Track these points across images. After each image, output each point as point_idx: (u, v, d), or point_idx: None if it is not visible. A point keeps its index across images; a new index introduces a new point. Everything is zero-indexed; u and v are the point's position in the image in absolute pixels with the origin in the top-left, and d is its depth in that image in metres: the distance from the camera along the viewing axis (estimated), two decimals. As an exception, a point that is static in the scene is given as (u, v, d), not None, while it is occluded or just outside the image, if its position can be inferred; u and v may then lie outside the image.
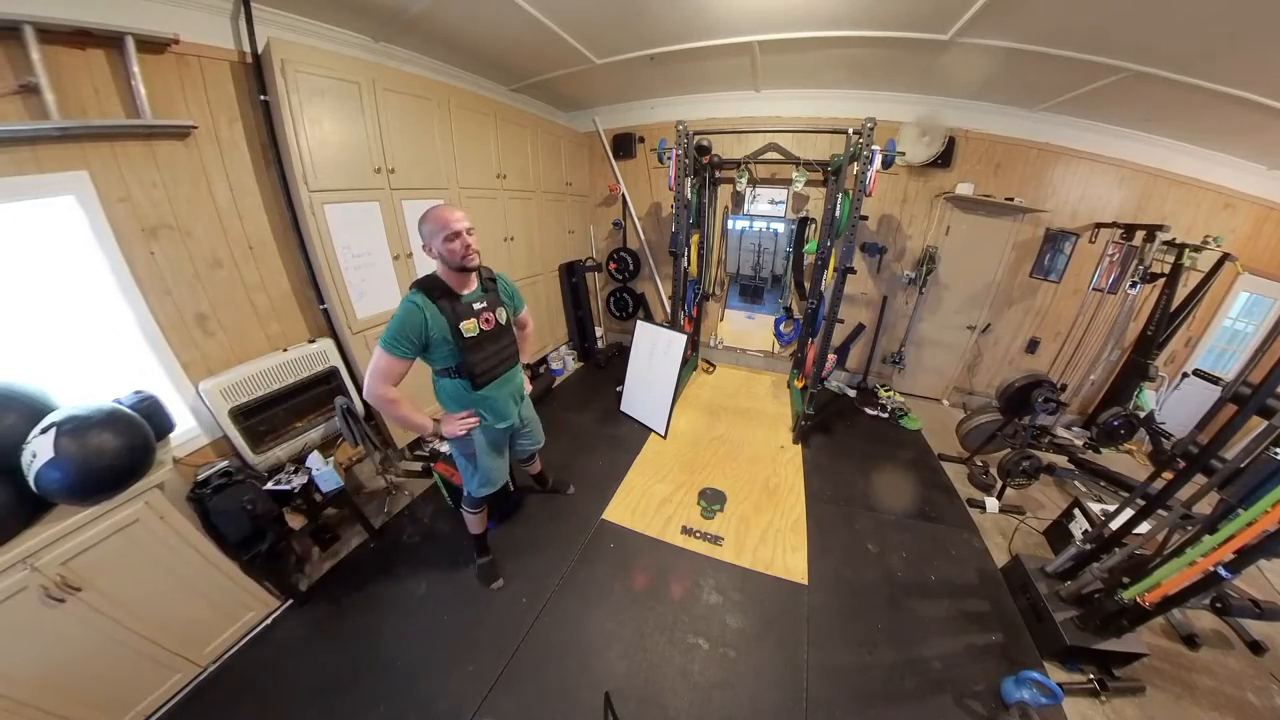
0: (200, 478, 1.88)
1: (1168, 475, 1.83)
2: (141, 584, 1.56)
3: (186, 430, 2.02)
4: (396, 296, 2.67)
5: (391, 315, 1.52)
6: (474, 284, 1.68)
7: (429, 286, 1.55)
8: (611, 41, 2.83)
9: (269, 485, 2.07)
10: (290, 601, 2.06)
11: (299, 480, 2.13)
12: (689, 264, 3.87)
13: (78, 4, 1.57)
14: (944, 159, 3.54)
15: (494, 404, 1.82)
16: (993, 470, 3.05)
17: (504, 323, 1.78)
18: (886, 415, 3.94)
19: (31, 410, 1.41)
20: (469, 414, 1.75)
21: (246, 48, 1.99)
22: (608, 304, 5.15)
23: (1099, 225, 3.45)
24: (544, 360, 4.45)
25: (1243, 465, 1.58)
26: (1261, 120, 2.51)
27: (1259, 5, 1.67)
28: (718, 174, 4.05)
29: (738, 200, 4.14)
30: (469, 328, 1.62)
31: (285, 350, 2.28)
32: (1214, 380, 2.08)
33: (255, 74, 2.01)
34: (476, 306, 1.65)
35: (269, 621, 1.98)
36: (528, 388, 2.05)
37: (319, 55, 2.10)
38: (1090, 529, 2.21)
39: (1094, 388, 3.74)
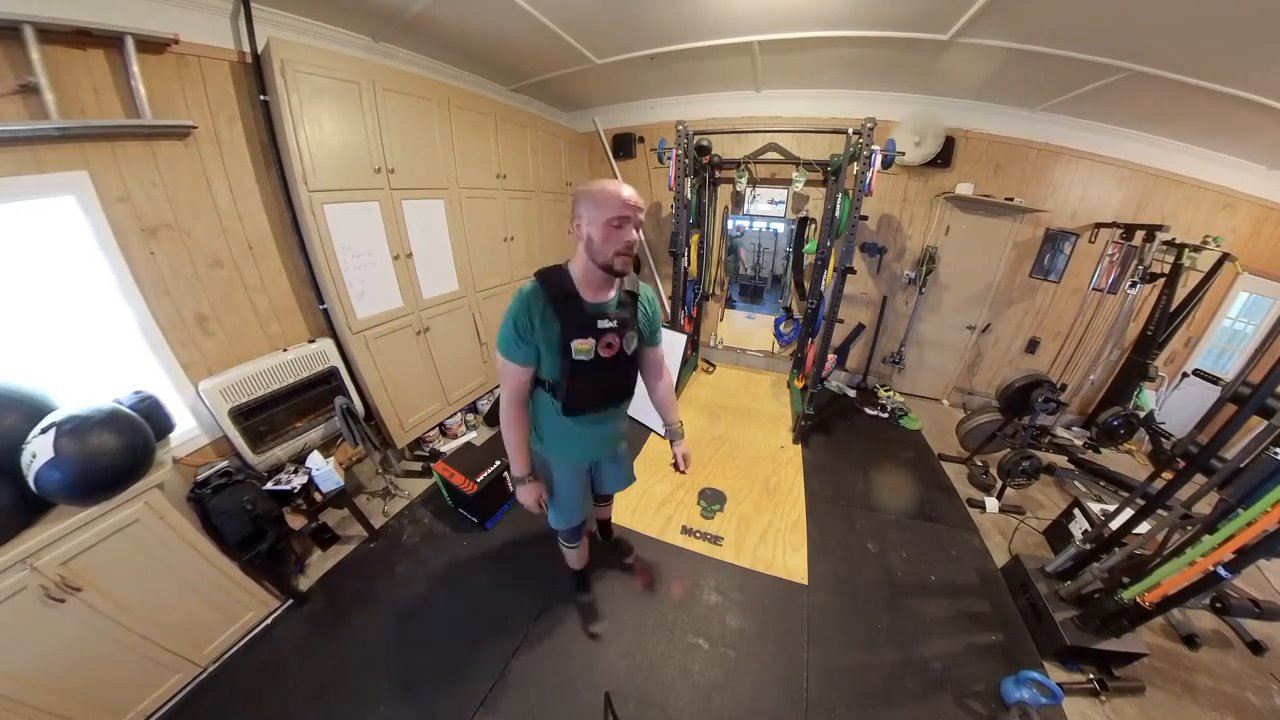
0: (200, 478, 1.88)
1: (1168, 475, 1.83)
2: (141, 584, 1.56)
3: (186, 430, 2.01)
4: (396, 296, 2.67)
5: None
6: (611, 294, 1.28)
7: (550, 280, 1.21)
8: (611, 41, 2.83)
9: (269, 485, 2.07)
10: (290, 601, 2.06)
11: (299, 480, 2.13)
12: (689, 264, 3.88)
13: (78, 4, 1.57)
14: (944, 159, 3.53)
15: (579, 439, 1.48)
16: (993, 470, 3.05)
17: (629, 353, 1.35)
18: (886, 415, 3.94)
19: (31, 410, 1.41)
20: (542, 498, 1.49)
21: (246, 48, 1.99)
22: (608, 304, 5.14)
23: (1099, 225, 3.45)
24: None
25: (1242, 465, 1.58)
26: (1261, 120, 2.51)
27: (1259, 5, 1.67)
28: (718, 174, 4.05)
29: (738, 200, 4.14)
30: (582, 349, 1.23)
31: (285, 350, 2.28)
32: (1214, 380, 2.08)
33: (255, 74, 2.01)
34: (602, 325, 1.25)
35: (269, 621, 1.98)
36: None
37: (319, 55, 2.10)
38: (1090, 529, 2.21)
39: (1094, 388, 3.74)
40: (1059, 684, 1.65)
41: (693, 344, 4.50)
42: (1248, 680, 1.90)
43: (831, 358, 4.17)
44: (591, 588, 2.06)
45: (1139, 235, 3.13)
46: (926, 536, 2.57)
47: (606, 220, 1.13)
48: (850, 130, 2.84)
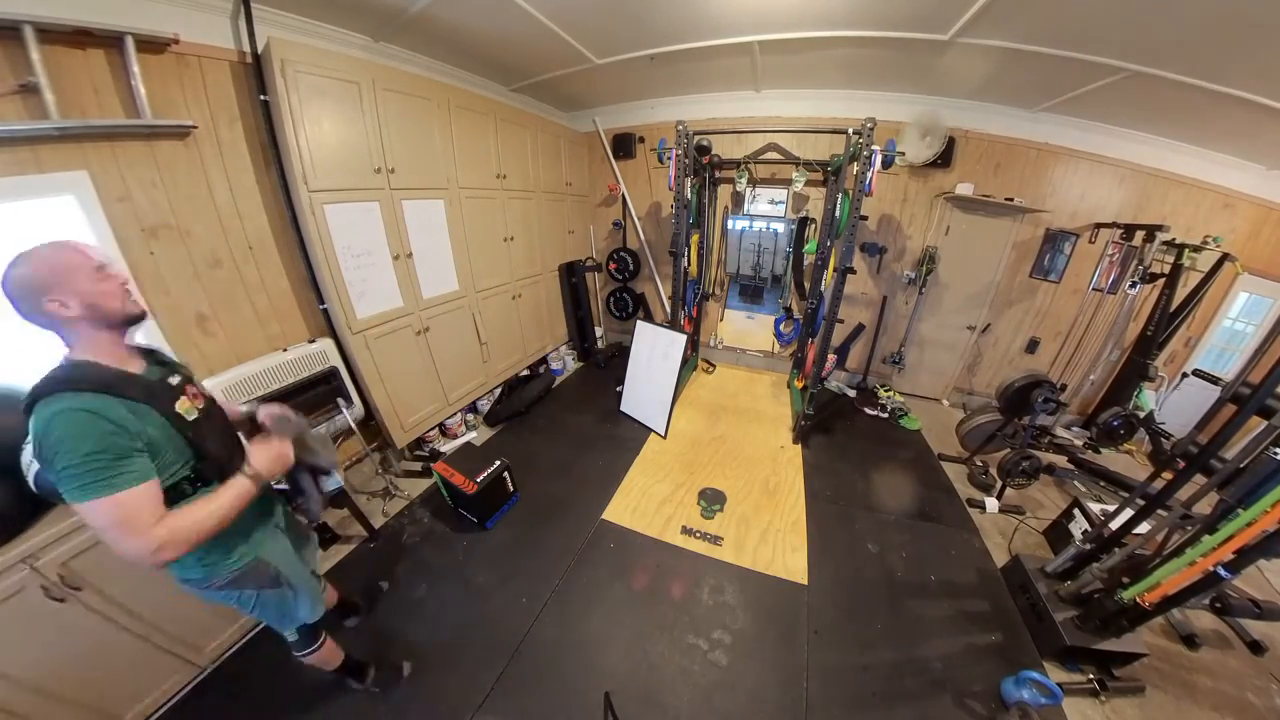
0: (200, 478, 1.87)
1: (1167, 475, 1.83)
2: (141, 583, 1.55)
3: (186, 430, 2.01)
4: (397, 296, 2.67)
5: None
6: (140, 359, 1.08)
7: (88, 381, 0.94)
8: (611, 41, 2.83)
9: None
10: (290, 601, 2.05)
11: (299, 480, 2.12)
12: (689, 264, 3.88)
13: (78, 4, 1.57)
14: (944, 159, 3.54)
15: (264, 507, 1.31)
16: (993, 470, 3.04)
17: (214, 401, 1.22)
18: (886, 415, 3.94)
19: (31, 410, 1.41)
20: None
21: (246, 48, 1.99)
22: (608, 304, 5.15)
23: (1099, 225, 3.45)
24: (544, 360, 4.45)
25: (1242, 465, 1.58)
26: (1261, 120, 2.51)
27: (1259, 6, 1.67)
28: (718, 174, 4.05)
29: (738, 200, 4.14)
30: (185, 407, 1.07)
31: (285, 350, 2.28)
32: (1214, 380, 2.08)
33: (255, 74, 2.01)
34: (172, 381, 1.09)
35: (269, 621, 1.97)
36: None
37: (319, 55, 2.10)
38: (1090, 529, 2.21)
39: (1094, 388, 3.74)
40: (1059, 684, 1.65)
41: (693, 344, 4.50)
42: (1248, 680, 1.90)
43: (831, 358, 4.17)
44: (365, 665, 1.72)
45: (1139, 235, 3.13)
46: (926, 536, 2.57)
47: (89, 276, 0.96)
48: (850, 130, 2.84)
